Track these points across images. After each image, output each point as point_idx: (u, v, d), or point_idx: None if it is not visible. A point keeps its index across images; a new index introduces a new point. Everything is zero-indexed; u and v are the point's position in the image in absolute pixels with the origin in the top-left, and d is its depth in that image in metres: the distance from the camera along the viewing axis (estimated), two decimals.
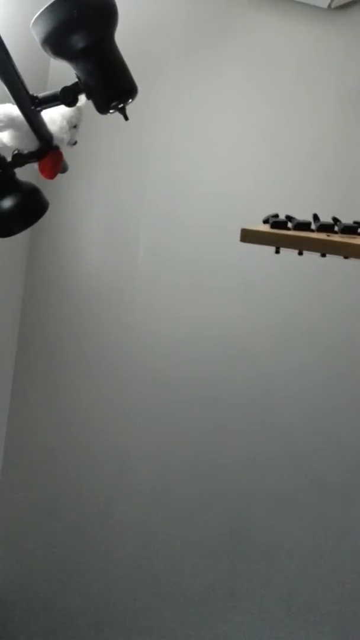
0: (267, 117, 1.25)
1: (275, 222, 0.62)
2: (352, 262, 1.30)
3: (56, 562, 1.46)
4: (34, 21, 0.72)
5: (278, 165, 1.24)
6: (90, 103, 0.78)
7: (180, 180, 1.32)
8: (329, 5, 1.17)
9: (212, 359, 1.32)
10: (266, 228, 0.62)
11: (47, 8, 0.70)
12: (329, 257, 1.31)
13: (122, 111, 0.80)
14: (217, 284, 1.31)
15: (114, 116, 0.80)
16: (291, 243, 0.61)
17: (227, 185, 1.29)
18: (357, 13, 1.18)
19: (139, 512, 1.39)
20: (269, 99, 1.25)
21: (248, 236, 0.62)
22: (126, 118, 0.80)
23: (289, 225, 0.62)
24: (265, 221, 0.64)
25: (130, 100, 0.79)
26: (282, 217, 0.64)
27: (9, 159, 0.79)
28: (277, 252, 0.62)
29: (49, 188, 0.89)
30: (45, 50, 0.74)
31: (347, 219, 0.63)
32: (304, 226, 0.62)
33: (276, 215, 0.64)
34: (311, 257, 1.33)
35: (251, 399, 1.29)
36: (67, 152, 0.87)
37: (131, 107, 0.80)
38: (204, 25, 1.28)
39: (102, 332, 1.39)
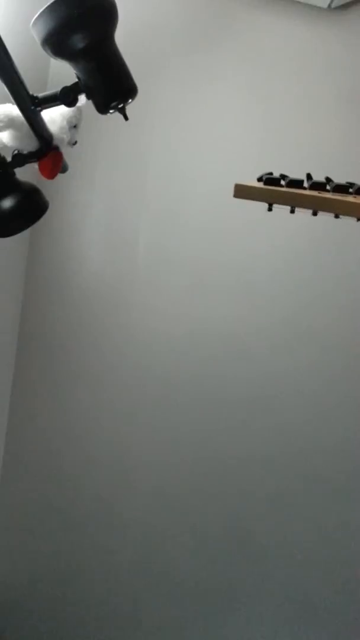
0: (267, 117, 1.25)
1: (268, 178, 0.62)
2: (352, 262, 1.30)
3: (56, 562, 1.46)
4: (34, 21, 0.72)
5: (278, 165, 1.24)
6: (90, 103, 0.78)
7: (180, 180, 1.32)
8: (329, 5, 1.17)
9: (212, 359, 1.32)
10: (260, 184, 0.62)
11: (47, 8, 0.70)
12: (328, 256, 1.30)
13: (122, 111, 0.80)
14: (217, 284, 1.31)
15: (114, 116, 0.81)
16: (283, 199, 0.61)
17: (227, 185, 1.29)
18: (357, 13, 1.18)
19: (139, 512, 1.39)
20: (269, 99, 1.25)
21: (241, 191, 0.62)
22: (126, 118, 0.80)
23: (282, 182, 0.62)
24: (260, 179, 0.64)
25: (130, 100, 0.79)
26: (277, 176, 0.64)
27: (9, 159, 0.79)
28: (270, 209, 0.62)
29: (49, 188, 0.89)
30: (45, 50, 0.74)
31: (346, 218, 0.63)
32: (296, 184, 0.63)
33: (270, 173, 0.64)
34: (311, 256, 1.33)
35: (251, 399, 1.29)
36: (67, 152, 0.87)
37: (131, 107, 0.80)
38: (204, 25, 1.28)
39: (102, 332, 1.39)
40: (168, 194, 1.33)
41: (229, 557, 1.33)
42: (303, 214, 0.62)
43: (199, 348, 1.32)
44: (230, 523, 1.32)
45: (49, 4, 0.69)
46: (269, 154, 1.25)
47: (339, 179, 1.26)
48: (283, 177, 0.64)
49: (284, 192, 0.61)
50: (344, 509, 1.25)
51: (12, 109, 0.78)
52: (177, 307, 1.33)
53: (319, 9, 1.19)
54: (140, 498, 1.38)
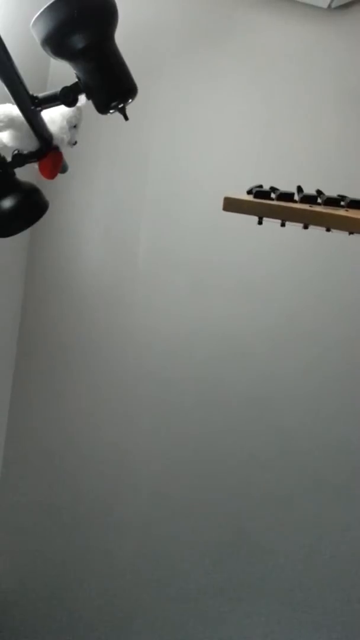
0: (267, 117, 1.25)
1: (258, 191, 0.62)
2: (352, 261, 1.30)
3: (56, 562, 1.46)
4: (34, 21, 0.72)
5: (278, 165, 1.24)
6: (90, 103, 0.78)
7: (180, 180, 1.32)
8: (329, 5, 1.17)
9: (212, 359, 1.32)
10: (249, 198, 0.62)
11: (47, 8, 0.70)
12: (329, 256, 1.30)
13: (122, 111, 0.80)
14: (217, 284, 1.31)
15: (114, 116, 0.80)
16: (274, 213, 0.60)
17: (226, 185, 1.28)
18: (357, 13, 1.18)
19: (139, 513, 1.39)
20: (269, 99, 1.25)
21: (231, 205, 0.62)
22: (126, 118, 0.80)
23: (272, 195, 0.62)
24: (249, 192, 0.63)
25: (130, 100, 0.79)
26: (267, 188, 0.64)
27: (9, 159, 0.79)
28: (260, 222, 0.62)
29: (49, 188, 0.89)
30: (45, 50, 0.74)
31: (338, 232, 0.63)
32: (287, 197, 0.62)
33: (260, 186, 0.64)
34: (310, 254, 1.33)
35: (251, 399, 1.29)
36: (67, 152, 0.87)
37: (131, 107, 0.80)
38: (204, 25, 1.28)
39: (102, 332, 1.39)
40: (168, 194, 1.33)
41: (228, 557, 1.33)
42: (294, 227, 0.62)
43: (199, 348, 1.32)
44: (230, 523, 1.32)
45: (49, 4, 0.69)
46: (269, 154, 1.25)
47: (339, 178, 1.26)
48: (273, 189, 0.63)
49: (274, 205, 0.60)
50: (344, 509, 1.25)
51: (12, 109, 0.78)
52: (177, 307, 1.33)
53: (319, 9, 1.19)
54: (140, 498, 1.38)
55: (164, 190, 1.33)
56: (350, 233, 0.58)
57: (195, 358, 1.33)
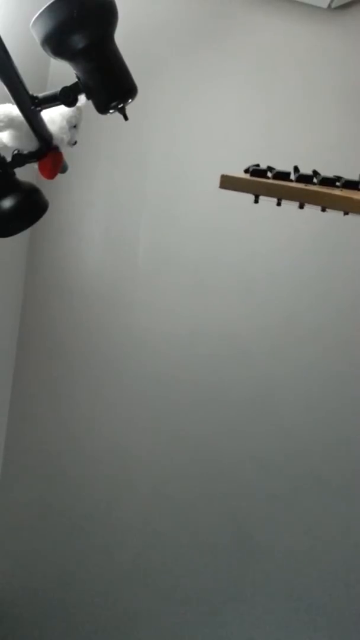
0: (267, 116, 1.25)
1: (255, 170, 0.62)
2: (352, 261, 1.30)
3: (56, 562, 1.46)
4: (34, 21, 0.72)
5: (278, 165, 1.24)
6: (90, 103, 0.78)
7: (180, 180, 1.32)
8: (329, 5, 1.17)
9: (212, 359, 1.32)
10: (246, 176, 0.62)
11: (47, 8, 0.70)
12: (329, 256, 1.30)
13: (122, 111, 0.80)
14: (217, 284, 1.31)
15: (114, 116, 0.80)
16: (269, 191, 0.60)
17: None
18: (357, 13, 1.18)
19: (138, 513, 1.39)
20: (269, 99, 1.25)
21: (227, 182, 0.62)
22: (126, 118, 0.80)
23: (269, 174, 0.62)
24: (246, 171, 0.63)
25: (130, 100, 0.79)
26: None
27: (9, 159, 0.79)
28: (256, 201, 0.62)
29: (49, 188, 0.89)
30: (45, 50, 0.74)
31: (347, 216, 0.63)
32: (283, 176, 0.62)
33: (257, 165, 0.64)
34: (310, 254, 1.33)
35: (252, 399, 1.29)
36: (67, 152, 0.86)
37: (131, 107, 0.80)
38: (204, 25, 1.28)
39: (102, 332, 1.39)
40: (168, 194, 1.33)
41: (228, 557, 1.33)
42: (292, 208, 0.62)
43: (199, 348, 1.32)
44: (230, 523, 1.32)
45: (48, 4, 0.69)
46: (269, 153, 1.25)
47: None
48: (270, 169, 0.63)
49: (270, 183, 0.61)
50: (344, 509, 1.25)
51: (12, 109, 0.78)
52: (177, 307, 1.33)
53: (319, 9, 1.19)
54: (140, 499, 1.38)
55: (164, 190, 1.33)
56: (345, 213, 0.58)
57: (195, 357, 1.33)
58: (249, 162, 1.28)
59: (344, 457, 1.25)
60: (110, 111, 0.79)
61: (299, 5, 1.19)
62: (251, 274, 1.28)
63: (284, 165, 1.25)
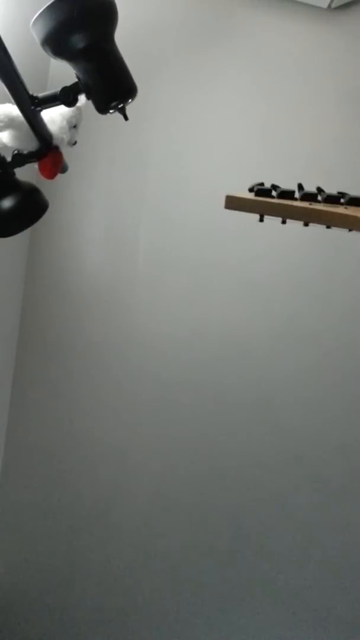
0: (267, 116, 1.25)
1: (259, 189, 0.62)
2: (352, 262, 1.30)
3: (56, 562, 1.45)
4: (34, 21, 0.72)
5: (278, 165, 1.24)
6: (90, 103, 0.78)
7: (180, 180, 1.32)
8: (329, 5, 1.17)
9: (212, 360, 1.32)
10: (251, 196, 0.62)
11: (47, 8, 0.70)
12: (329, 258, 1.30)
13: (122, 111, 0.80)
14: (217, 285, 1.31)
15: (114, 116, 0.80)
16: (275, 211, 0.61)
17: (226, 185, 1.29)
18: (357, 13, 1.18)
19: (138, 513, 1.39)
20: (269, 99, 1.25)
21: (232, 203, 0.62)
22: (126, 118, 0.80)
23: (273, 193, 0.62)
24: (251, 190, 0.64)
25: (130, 100, 0.79)
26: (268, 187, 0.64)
27: (9, 159, 0.79)
28: (261, 220, 0.62)
29: (49, 188, 0.89)
30: (45, 50, 0.74)
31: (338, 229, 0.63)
32: (288, 195, 0.63)
33: (262, 184, 0.64)
34: (311, 256, 1.33)
35: (252, 401, 1.29)
36: (67, 152, 0.86)
37: (131, 107, 0.80)
38: (204, 25, 1.28)
39: (101, 333, 1.39)
40: (168, 194, 1.33)
41: (228, 558, 1.33)
42: (294, 228, 0.62)
43: (199, 349, 1.32)
44: (230, 524, 1.32)
45: (48, 4, 0.69)
46: (269, 153, 1.25)
47: (338, 178, 1.26)
48: (274, 187, 0.64)
49: (275, 203, 0.61)
50: (344, 510, 1.25)
51: (12, 109, 0.78)
52: (177, 308, 1.33)
53: (319, 9, 1.19)
54: (140, 499, 1.38)
55: (163, 190, 1.33)
56: (350, 230, 0.59)
57: (195, 358, 1.33)
58: (249, 162, 1.29)
59: (344, 458, 1.25)
60: (110, 111, 0.79)
61: (299, 5, 1.19)
62: (252, 276, 1.28)
63: (284, 165, 1.26)
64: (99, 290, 1.39)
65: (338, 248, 1.23)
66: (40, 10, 0.70)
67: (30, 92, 0.76)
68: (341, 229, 0.59)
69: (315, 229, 1.22)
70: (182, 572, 1.36)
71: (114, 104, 0.77)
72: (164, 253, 1.34)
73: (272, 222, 1.24)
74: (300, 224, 0.61)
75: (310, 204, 0.61)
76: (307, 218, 0.60)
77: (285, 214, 0.60)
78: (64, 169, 0.89)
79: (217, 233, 1.29)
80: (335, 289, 1.24)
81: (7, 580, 1.49)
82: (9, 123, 0.78)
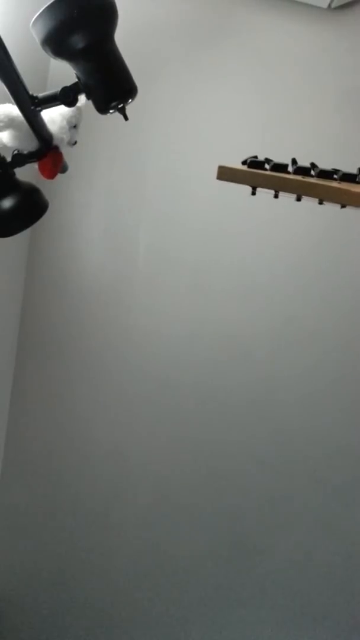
0: (267, 116, 1.25)
1: (253, 161, 0.61)
2: (353, 264, 1.30)
3: (56, 562, 1.45)
4: (34, 21, 0.72)
5: None
6: (90, 103, 0.78)
7: (180, 180, 1.32)
8: (329, 5, 1.17)
9: (212, 361, 1.32)
10: (244, 167, 0.62)
11: (47, 8, 0.70)
12: (329, 258, 1.30)
13: (122, 111, 0.80)
14: (217, 285, 1.31)
15: (113, 116, 0.80)
16: (267, 183, 0.60)
17: (226, 185, 1.29)
18: (357, 13, 1.18)
19: (138, 513, 1.38)
20: (269, 99, 1.25)
21: (225, 174, 0.62)
22: (126, 118, 0.80)
23: (267, 166, 0.62)
24: (244, 162, 0.63)
25: (130, 100, 0.79)
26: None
27: (9, 159, 0.79)
28: (253, 193, 0.62)
29: (49, 188, 0.89)
30: (45, 50, 0.74)
31: (347, 217, 0.63)
32: (281, 168, 0.62)
33: (255, 157, 0.63)
34: (311, 256, 1.33)
35: (252, 401, 1.29)
36: (67, 152, 0.86)
37: (131, 107, 0.80)
38: (204, 25, 1.28)
39: (101, 333, 1.39)
40: (168, 194, 1.33)
41: (228, 558, 1.33)
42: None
43: (199, 349, 1.32)
44: (230, 524, 1.32)
45: (49, 4, 0.69)
46: (269, 153, 1.25)
47: None
48: (268, 160, 0.63)
49: (268, 175, 0.60)
50: (344, 510, 1.25)
51: (12, 109, 0.78)
52: (177, 308, 1.33)
53: (319, 9, 1.19)
54: (140, 499, 1.38)
55: (163, 190, 1.33)
56: (342, 206, 0.58)
57: (194, 359, 1.33)
58: None
59: (344, 458, 1.25)
60: (110, 111, 0.79)
61: (299, 5, 1.19)
62: (251, 276, 1.28)
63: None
64: (99, 290, 1.39)
65: (338, 248, 1.23)
66: (40, 10, 0.70)
67: (30, 92, 0.76)
68: (334, 204, 0.58)
69: (315, 228, 1.22)
70: (182, 572, 1.36)
71: (114, 104, 0.77)
72: (164, 253, 1.34)
73: (272, 222, 1.25)
74: (292, 197, 0.60)
75: (303, 177, 0.60)
76: (300, 191, 0.59)
77: (278, 187, 0.59)
78: (64, 169, 0.89)
79: (217, 233, 1.29)
80: (335, 289, 1.24)
81: (7, 579, 1.49)
82: (9, 123, 0.78)
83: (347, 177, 0.60)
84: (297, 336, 1.26)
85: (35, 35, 0.73)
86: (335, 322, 1.24)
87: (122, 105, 0.78)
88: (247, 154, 1.29)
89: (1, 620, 1.49)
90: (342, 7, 1.18)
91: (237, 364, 1.30)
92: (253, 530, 1.31)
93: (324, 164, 1.24)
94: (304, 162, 0.63)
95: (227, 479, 1.32)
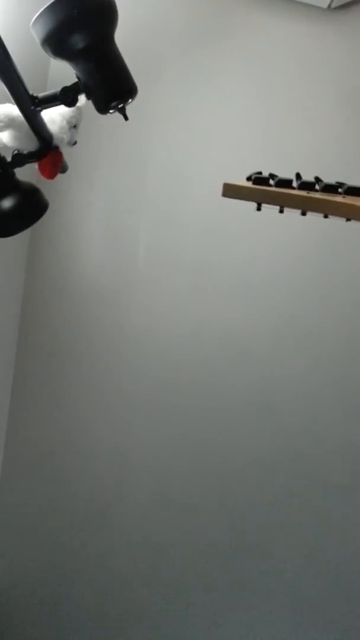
0: (267, 117, 1.25)
1: (257, 178, 0.62)
2: (352, 262, 1.30)
3: (56, 562, 1.46)
4: (34, 21, 0.72)
5: (278, 166, 1.24)
6: (90, 103, 0.78)
7: (180, 180, 1.32)
8: (329, 5, 1.17)
9: (212, 361, 1.32)
10: (248, 184, 0.62)
11: (47, 8, 0.70)
12: (329, 258, 1.30)
13: (122, 111, 0.80)
14: (217, 285, 1.31)
15: (114, 116, 0.80)
16: (272, 199, 0.61)
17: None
18: (357, 13, 1.18)
19: (138, 514, 1.39)
20: (269, 99, 1.25)
21: (230, 191, 0.63)
22: (126, 118, 0.80)
23: (271, 182, 0.62)
24: (249, 178, 0.64)
25: (130, 100, 0.79)
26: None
27: (9, 159, 0.79)
28: (259, 209, 0.62)
29: (49, 188, 0.89)
30: (45, 50, 0.74)
31: (336, 218, 0.63)
32: (285, 183, 0.62)
33: (259, 173, 0.64)
34: (311, 256, 1.33)
35: (252, 401, 1.29)
36: (67, 152, 0.87)
37: (131, 107, 0.80)
38: (204, 25, 1.28)
39: (101, 333, 1.39)
40: (168, 194, 1.33)
41: (228, 559, 1.33)
42: (293, 214, 0.62)
43: (199, 349, 1.32)
44: (230, 524, 1.32)
45: (48, 4, 0.69)
46: (270, 154, 1.25)
47: (338, 178, 1.25)
48: (272, 176, 0.64)
49: (273, 191, 0.61)
50: (344, 510, 1.25)
51: (12, 109, 0.78)
52: (177, 308, 1.33)
53: (319, 9, 1.19)
54: (140, 499, 1.38)
55: (164, 190, 1.33)
56: (348, 220, 0.59)
57: (194, 358, 1.33)
58: (249, 162, 1.28)
59: (345, 459, 1.25)
60: (110, 111, 0.79)
61: (299, 5, 1.19)
62: (251, 276, 1.28)
63: (284, 166, 1.26)
64: (99, 290, 1.39)
65: (338, 248, 1.23)
66: (40, 10, 0.70)
67: (30, 92, 0.76)
68: (339, 218, 0.59)
69: (315, 228, 1.22)
70: (182, 572, 1.36)
71: (114, 104, 0.77)
72: (164, 253, 1.34)
73: (272, 222, 1.25)
74: (297, 212, 0.61)
75: (308, 193, 0.61)
76: (305, 206, 0.60)
77: (283, 203, 0.60)
78: (64, 169, 0.89)
79: (217, 233, 1.29)
80: (335, 289, 1.24)
81: (7, 579, 1.49)
82: (9, 123, 0.78)
83: (352, 191, 0.61)
84: (297, 336, 1.26)
85: (35, 35, 0.73)
86: (335, 322, 1.24)
87: (122, 105, 0.79)
88: (247, 154, 1.29)
89: (1, 620, 1.49)
90: (342, 7, 1.18)
91: (237, 364, 1.30)
92: (253, 530, 1.31)
93: (324, 164, 1.24)
94: (308, 176, 0.64)
95: (227, 479, 1.32)
